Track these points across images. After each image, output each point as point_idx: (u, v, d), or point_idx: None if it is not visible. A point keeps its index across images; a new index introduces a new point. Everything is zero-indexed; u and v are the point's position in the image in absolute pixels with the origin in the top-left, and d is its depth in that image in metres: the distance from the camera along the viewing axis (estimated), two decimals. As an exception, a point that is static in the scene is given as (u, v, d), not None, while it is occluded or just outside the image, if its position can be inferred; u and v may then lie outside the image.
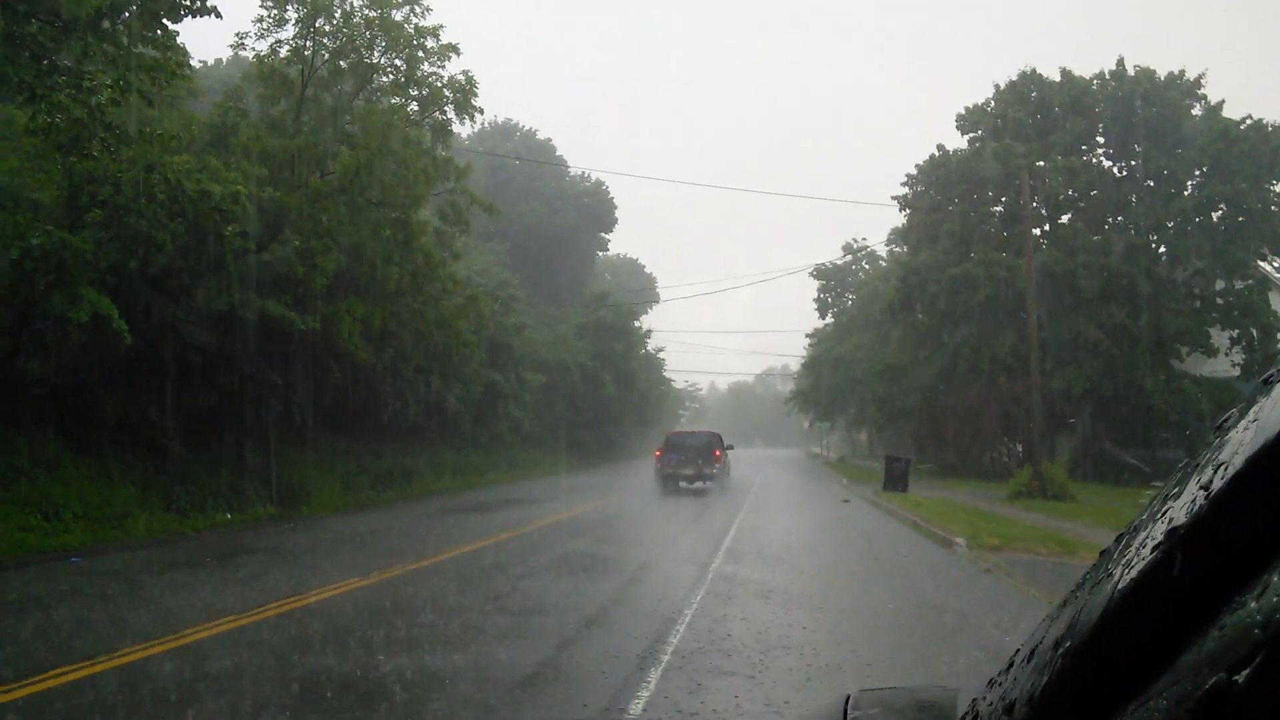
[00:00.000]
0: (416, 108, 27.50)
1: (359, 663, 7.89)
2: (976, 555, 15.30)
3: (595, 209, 72.94)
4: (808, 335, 79.93)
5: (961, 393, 40.42)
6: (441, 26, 26.67)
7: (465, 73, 27.57)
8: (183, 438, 20.96)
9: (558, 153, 71.09)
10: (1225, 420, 0.81)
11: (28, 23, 13.42)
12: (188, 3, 14.95)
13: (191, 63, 20.44)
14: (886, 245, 57.91)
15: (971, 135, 44.64)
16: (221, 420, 22.49)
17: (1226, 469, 0.69)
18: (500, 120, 68.89)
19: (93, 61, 14.48)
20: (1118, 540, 0.89)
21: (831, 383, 67.53)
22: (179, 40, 16.09)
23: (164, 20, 15.07)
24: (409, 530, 19.72)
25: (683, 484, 31.88)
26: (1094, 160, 42.15)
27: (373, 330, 26.12)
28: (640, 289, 78.22)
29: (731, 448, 36.01)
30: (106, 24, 14.37)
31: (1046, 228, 41.70)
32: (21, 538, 14.84)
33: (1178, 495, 0.77)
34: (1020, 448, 39.53)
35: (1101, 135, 42.02)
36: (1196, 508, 0.70)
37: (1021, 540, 16.44)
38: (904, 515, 22.21)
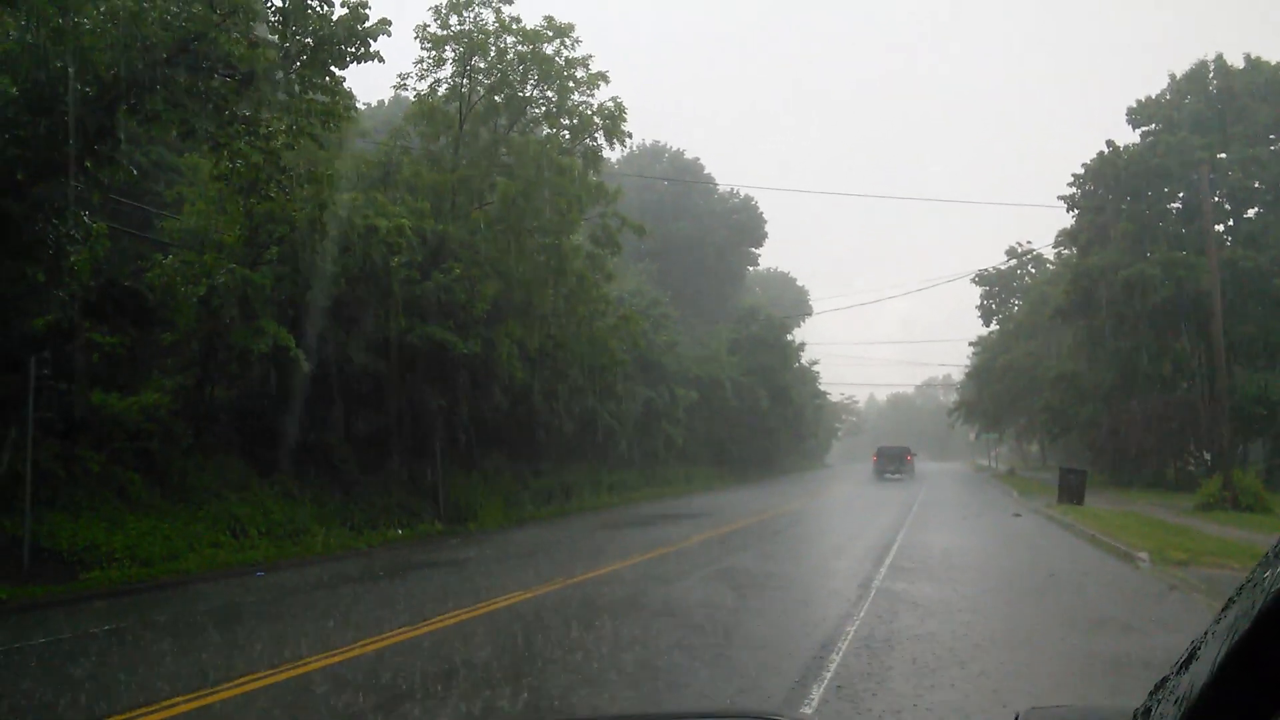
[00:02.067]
0: (568, 136, 28.18)
1: (543, 673, 8.09)
2: (1161, 570, 14.39)
3: (745, 224, 72.84)
4: (971, 344, 77.28)
5: (1141, 399, 38.10)
6: (591, 56, 27.36)
7: (614, 99, 28.16)
8: (356, 458, 22.08)
9: (706, 171, 71.48)
10: None
11: (211, 78, 14.53)
12: (353, 50, 15.82)
13: (357, 105, 21.65)
14: (1054, 248, 55.35)
15: (1144, 129, 42.33)
16: (391, 441, 23.59)
17: None
18: (649, 142, 69.92)
19: (268, 109, 15.54)
20: (1274, 549, 0.86)
21: (998, 392, 64.93)
22: (346, 85, 17.08)
23: (331, 67, 16.00)
24: (572, 545, 20.09)
25: (887, 476, 55.09)
26: (1284, 149, 39.16)
27: (530, 352, 26.87)
28: (792, 302, 77.46)
29: (915, 455, 65.15)
30: (280, 74, 15.39)
31: (1230, 223, 39.02)
32: (212, 554, 15.98)
33: None
34: (1208, 456, 36.90)
35: (1292, 122, 38.99)
36: None
37: (1211, 554, 15.35)
38: (1081, 529, 21.10)
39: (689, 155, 71.61)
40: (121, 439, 16.66)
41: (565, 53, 27.01)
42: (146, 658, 9.16)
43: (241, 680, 7.82)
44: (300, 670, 8.19)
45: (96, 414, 16.52)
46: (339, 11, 15.48)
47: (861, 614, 10.69)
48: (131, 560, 14.57)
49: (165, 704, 7.12)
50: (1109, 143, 41.58)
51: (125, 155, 15.01)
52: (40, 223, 14.11)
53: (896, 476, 54.53)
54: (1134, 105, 43.06)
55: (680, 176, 66.22)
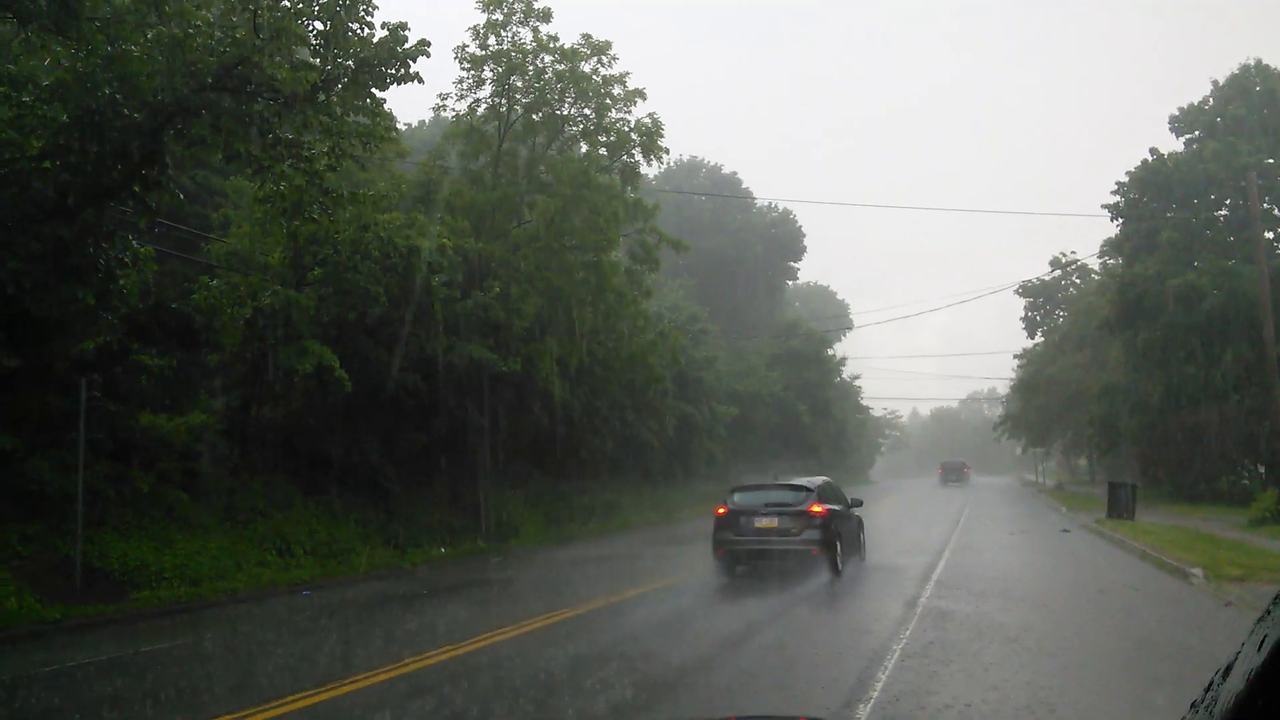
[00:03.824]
0: (605, 153, 28.29)
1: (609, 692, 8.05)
2: (1216, 587, 14.01)
3: (783, 238, 72.63)
4: (1016, 356, 76.20)
5: (1192, 412, 37.25)
6: (628, 74, 27.41)
7: (651, 115, 28.24)
8: (399, 477, 22.21)
9: (744, 185, 71.39)
10: None
11: (255, 101, 14.75)
12: (394, 71, 15.96)
13: (398, 126, 21.88)
14: (1098, 258, 54.49)
15: (1188, 136, 41.62)
16: (434, 460, 23.71)
17: None
18: (686, 158, 69.97)
19: (310, 132, 15.74)
20: None
21: (1044, 405, 63.97)
22: (386, 106, 17.25)
23: (372, 89, 16.17)
24: (617, 563, 20.02)
25: (949, 484, 70.09)
26: (1335, 152, 38.25)
27: (569, 369, 26.91)
28: (832, 316, 77.05)
29: (970, 468, 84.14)
30: (321, 96, 15.57)
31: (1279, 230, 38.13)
32: (259, 572, 16.13)
33: None
34: (1262, 470, 36.00)
35: (1344, 124, 38.08)
36: None
37: (1268, 570, 14.90)
38: (1131, 544, 20.64)
39: (726, 170, 71.69)
40: (170, 459, 16.90)
41: (602, 70, 27.15)
42: (200, 676, 9.24)
43: (297, 696, 7.84)
44: (353, 687, 8.20)
45: (145, 435, 16.77)
46: (379, 34, 15.64)
47: (908, 632, 10.52)
48: (180, 579, 14.75)
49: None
50: (1153, 150, 40.94)
51: (172, 179, 15.26)
52: (90, 246, 14.39)
53: (957, 483, 71.90)
54: (1176, 113, 42.39)
55: (718, 191, 66.22)
